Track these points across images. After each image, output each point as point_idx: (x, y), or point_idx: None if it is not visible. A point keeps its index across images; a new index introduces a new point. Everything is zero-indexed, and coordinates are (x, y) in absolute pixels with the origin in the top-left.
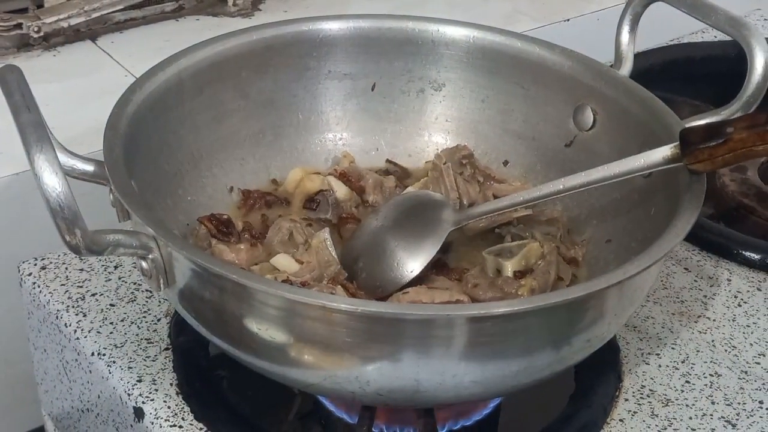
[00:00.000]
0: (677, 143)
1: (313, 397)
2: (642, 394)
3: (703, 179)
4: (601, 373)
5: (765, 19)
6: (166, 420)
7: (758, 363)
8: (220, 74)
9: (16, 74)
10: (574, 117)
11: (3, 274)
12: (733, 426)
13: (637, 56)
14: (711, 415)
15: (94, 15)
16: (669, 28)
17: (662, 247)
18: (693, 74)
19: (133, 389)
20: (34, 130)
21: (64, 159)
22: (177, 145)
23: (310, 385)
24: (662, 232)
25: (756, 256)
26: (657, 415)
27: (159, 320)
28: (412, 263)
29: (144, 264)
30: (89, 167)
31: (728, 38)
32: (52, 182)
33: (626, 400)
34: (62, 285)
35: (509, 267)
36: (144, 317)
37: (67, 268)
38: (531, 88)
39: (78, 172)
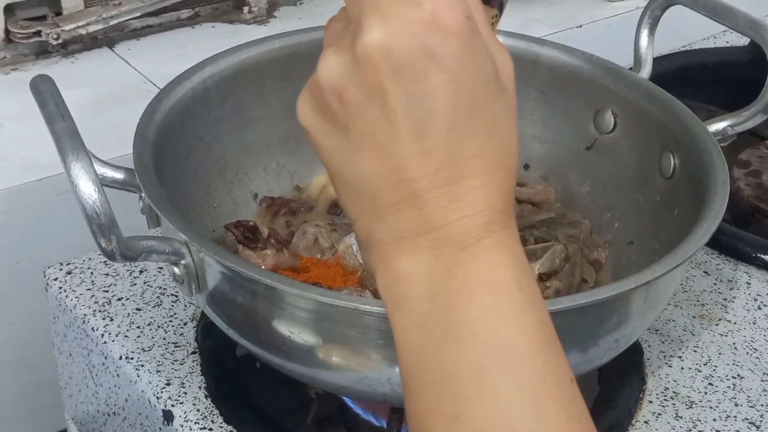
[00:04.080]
0: None
1: (334, 399)
2: (666, 396)
3: (727, 179)
4: (624, 376)
5: None
6: (195, 423)
7: None
8: (243, 82)
9: (49, 84)
10: (594, 120)
11: (27, 279)
12: (757, 428)
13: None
14: (735, 416)
15: (112, 22)
16: (681, 34)
17: (689, 248)
18: (706, 80)
19: (161, 392)
20: (69, 139)
21: (95, 167)
22: (203, 153)
23: (342, 387)
24: (687, 233)
25: None
26: (681, 417)
27: (185, 324)
28: None
29: (176, 270)
30: (119, 175)
31: (741, 44)
32: (89, 190)
33: (650, 402)
34: (88, 290)
35: (534, 269)
36: (170, 321)
37: (92, 273)
38: (550, 91)
39: (108, 179)
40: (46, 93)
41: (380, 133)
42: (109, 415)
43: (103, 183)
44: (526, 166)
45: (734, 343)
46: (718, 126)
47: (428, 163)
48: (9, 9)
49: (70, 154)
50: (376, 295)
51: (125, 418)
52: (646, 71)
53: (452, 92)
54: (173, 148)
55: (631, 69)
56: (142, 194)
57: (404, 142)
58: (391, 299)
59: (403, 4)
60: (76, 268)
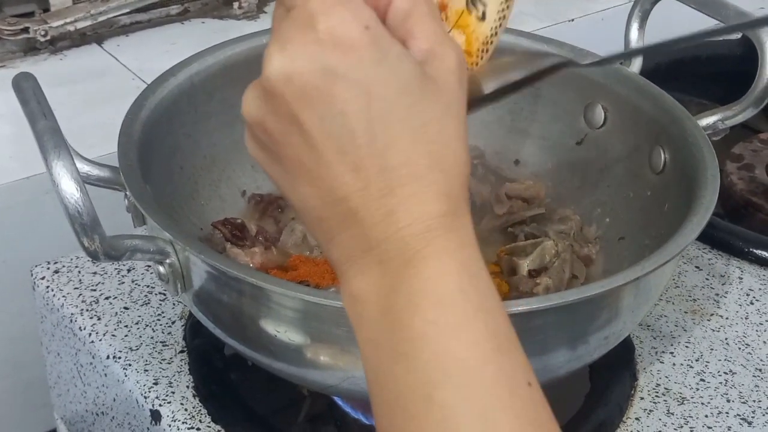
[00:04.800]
0: None
1: (324, 398)
2: (657, 392)
3: (717, 173)
4: (616, 372)
5: None
6: (183, 422)
7: None
8: (231, 78)
9: (31, 81)
10: (584, 115)
11: (15, 278)
12: (749, 424)
13: (643, 55)
14: (727, 413)
15: (101, 18)
16: (674, 27)
17: (679, 243)
18: (699, 73)
19: (149, 392)
20: (51, 137)
21: (80, 165)
22: (189, 150)
23: (329, 386)
24: (677, 228)
25: (767, 254)
26: (673, 414)
27: (174, 323)
28: None
29: (161, 269)
30: (104, 173)
31: (734, 37)
32: (71, 189)
33: (642, 398)
34: (75, 288)
35: (524, 266)
36: (158, 320)
37: (80, 272)
38: (541, 86)
39: (93, 177)
40: (28, 91)
41: (305, 157)
42: (97, 414)
43: (88, 181)
44: (517, 162)
45: (726, 339)
46: (708, 120)
47: (357, 180)
48: None
49: (52, 152)
50: None
51: (113, 417)
52: (636, 65)
53: (363, 105)
54: (159, 146)
55: (621, 63)
56: (127, 192)
57: (328, 163)
58: (352, 318)
59: (298, 28)
60: (64, 267)
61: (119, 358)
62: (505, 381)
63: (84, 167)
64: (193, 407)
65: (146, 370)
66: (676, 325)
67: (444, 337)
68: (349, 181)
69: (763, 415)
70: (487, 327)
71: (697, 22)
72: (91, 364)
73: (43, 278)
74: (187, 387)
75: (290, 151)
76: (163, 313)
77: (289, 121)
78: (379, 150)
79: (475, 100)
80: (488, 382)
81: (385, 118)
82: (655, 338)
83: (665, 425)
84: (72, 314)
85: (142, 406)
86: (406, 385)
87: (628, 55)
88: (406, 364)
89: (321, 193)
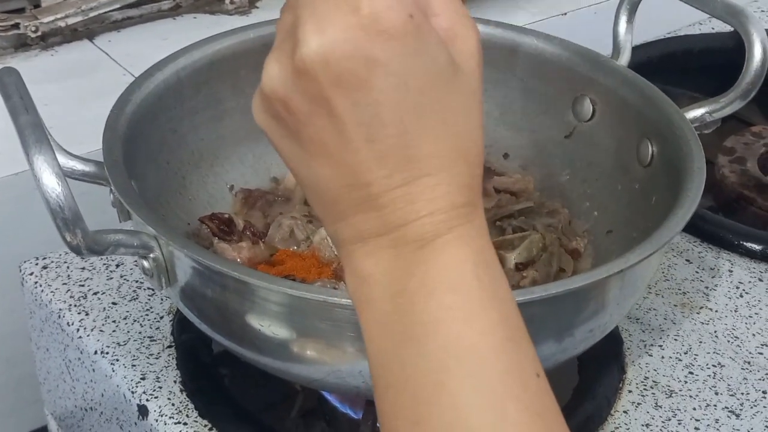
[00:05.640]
0: None
1: (316, 392)
2: (645, 385)
3: (704, 166)
4: (604, 366)
5: (762, 11)
6: (170, 417)
7: (761, 353)
8: (218, 73)
9: (14, 76)
10: (573, 108)
11: (4, 274)
12: (737, 416)
13: (635, 49)
14: (715, 405)
15: (92, 14)
16: (666, 20)
17: (663, 235)
18: (691, 66)
19: (136, 387)
20: (32, 132)
21: (64, 160)
22: (177, 145)
23: (314, 380)
24: (663, 222)
25: (757, 247)
26: (661, 406)
27: (162, 318)
28: None
29: (145, 263)
30: (89, 168)
31: (726, 30)
32: (52, 183)
33: (630, 391)
34: (64, 284)
35: (511, 259)
36: (146, 315)
37: (68, 267)
38: (529, 80)
39: (78, 173)
40: (10, 86)
41: (330, 141)
42: (86, 410)
43: (73, 177)
44: (506, 155)
45: (715, 332)
46: (695, 113)
47: (382, 167)
48: None
49: (33, 147)
50: None
51: (102, 412)
52: (624, 58)
53: (399, 96)
54: (146, 141)
55: (610, 56)
56: (112, 187)
57: (355, 149)
58: (357, 299)
59: (340, 8)
60: (52, 262)
61: (107, 353)
62: (516, 371)
63: (69, 162)
64: (181, 402)
65: (134, 366)
66: (665, 318)
67: (458, 323)
68: (374, 168)
69: (751, 407)
70: (501, 316)
71: (685, 18)
72: (79, 359)
73: (31, 274)
74: (175, 382)
75: (312, 133)
76: (151, 308)
77: (318, 103)
78: (408, 141)
79: None
80: (500, 371)
81: (418, 110)
82: (644, 331)
83: (653, 418)
84: (60, 310)
85: (130, 401)
86: (416, 370)
87: None
88: (417, 349)
89: (341, 177)
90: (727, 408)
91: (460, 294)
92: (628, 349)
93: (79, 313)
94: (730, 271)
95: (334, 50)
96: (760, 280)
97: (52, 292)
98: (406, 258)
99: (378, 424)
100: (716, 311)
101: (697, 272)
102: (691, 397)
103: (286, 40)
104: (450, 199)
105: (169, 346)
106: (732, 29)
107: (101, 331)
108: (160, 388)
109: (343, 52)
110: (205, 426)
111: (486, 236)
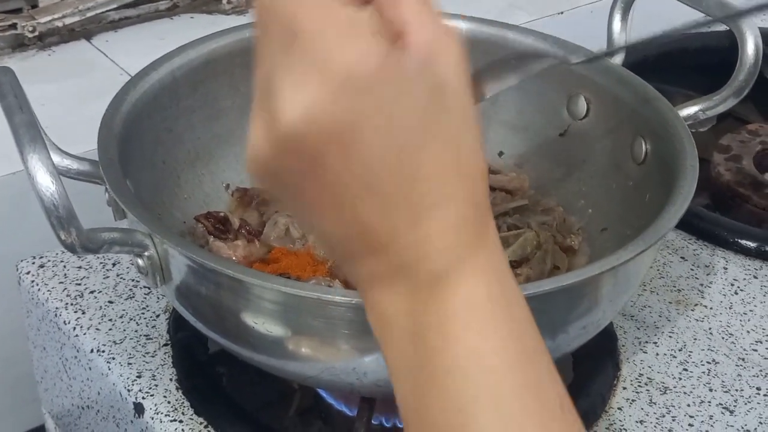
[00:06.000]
0: None
1: (312, 390)
2: (640, 382)
3: (696, 164)
4: (599, 362)
5: None
6: (166, 415)
7: (755, 350)
8: (213, 72)
9: (9, 76)
10: (567, 106)
11: (1, 273)
12: (731, 413)
13: (631, 47)
14: (709, 402)
15: (89, 14)
16: (662, 19)
17: (655, 233)
18: (687, 65)
19: (132, 385)
20: (27, 131)
21: (59, 159)
22: (172, 144)
23: (309, 377)
24: (656, 219)
25: (752, 245)
26: (655, 403)
27: (158, 316)
28: None
29: (140, 261)
30: (84, 167)
31: (721, 29)
32: (46, 182)
33: (624, 388)
34: (60, 283)
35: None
36: (143, 313)
37: (65, 266)
38: (524, 78)
39: (73, 171)
40: (5, 85)
41: (327, 198)
42: (83, 408)
43: (68, 175)
44: (500, 154)
45: (710, 329)
46: (689, 111)
47: (385, 215)
48: None
49: (27, 146)
50: (345, 285)
51: (98, 411)
52: (619, 57)
53: (390, 142)
54: (141, 140)
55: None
56: (107, 186)
57: (354, 203)
58: (380, 336)
59: (314, 66)
60: (49, 261)
61: (103, 351)
62: (539, 412)
63: (64, 161)
64: (176, 400)
65: (130, 364)
66: (660, 315)
67: (478, 360)
68: (378, 219)
69: (745, 404)
70: (518, 343)
71: (681, 17)
72: (75, 357)
73: (28, 273)
74: (170, 380)
75: (309, 192)
76: (147, 306)
77: (311, 163)
78: (407, 179)
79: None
80: (522, 409)
81: (411, 146)
82: (638, 328)
83: (647, 415)
84: (57, 308)
85: (126, 399)
86: (438, 411)
87: (612, 53)
88: (438, 391)
89: (343, 229)
90: (722, 404)
91: (476, 329)
92: (623, 346)
93: (75, 312)
94: (725, 269)
95: (316, 108)
96: (755, 277)
97: (48, 291)
98: (423, 295)
99: (372, 421)
100: (711, 308)
101: (692, 269)
102: (685, 393)
103: (264, 100)
104: (459, 228)
105: (165, 345)
106: (727, 28)
107: (97, 329)
108: (156, 386)
109: (325, 109)
110: (201, 424)
111: (499, 253)
